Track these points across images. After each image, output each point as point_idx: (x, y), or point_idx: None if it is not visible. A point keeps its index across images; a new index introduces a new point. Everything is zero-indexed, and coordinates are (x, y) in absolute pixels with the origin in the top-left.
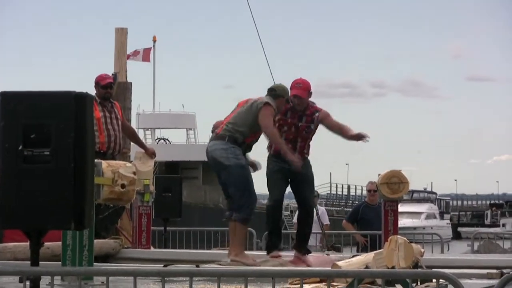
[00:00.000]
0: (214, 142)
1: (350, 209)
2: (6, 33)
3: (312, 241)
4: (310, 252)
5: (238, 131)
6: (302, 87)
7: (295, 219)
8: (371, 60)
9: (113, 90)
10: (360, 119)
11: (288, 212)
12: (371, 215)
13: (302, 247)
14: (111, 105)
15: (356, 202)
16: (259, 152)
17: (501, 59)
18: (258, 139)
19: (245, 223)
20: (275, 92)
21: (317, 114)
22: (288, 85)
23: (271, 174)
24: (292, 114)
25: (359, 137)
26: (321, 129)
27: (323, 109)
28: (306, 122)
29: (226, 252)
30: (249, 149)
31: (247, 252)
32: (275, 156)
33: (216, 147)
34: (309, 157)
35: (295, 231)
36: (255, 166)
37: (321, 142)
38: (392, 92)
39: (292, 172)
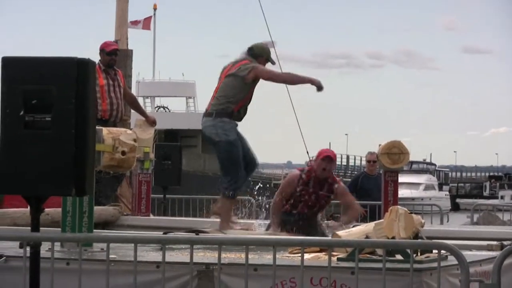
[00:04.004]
0: (205, 119)
1: (349, 179)
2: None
3: None
4: None
5: (226, 102)
6: (333, 154)
7: None
8: (366, 32)
9: (117, 58)
10: (359, 90)
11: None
12: (370, 185)
13: None
14: (115, 73)
15: (355, 172)
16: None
17: (498, 32)
18: (248, 104)
19: (229, 199)
20: (253, 51)
21: (336, 186)
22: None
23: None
24: (314, 184)
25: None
26: (318, 102)
27: (341, 183)
28: (326, 192)
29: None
30: (243, 114)
31: (246, 221)
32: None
33: (206, 124)
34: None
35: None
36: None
37: (320, 112)
38: (389, 63)
39: None
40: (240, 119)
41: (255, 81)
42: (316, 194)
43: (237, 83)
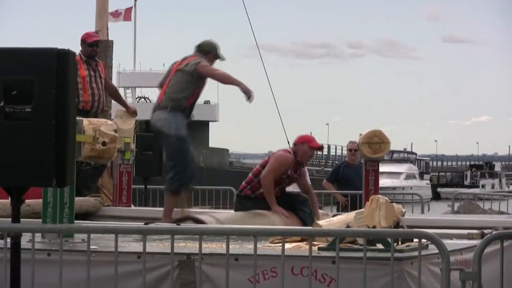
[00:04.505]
0: (157, 112)
1: (330, 169)
2: None
3: None
4: None
5: (180, 97)
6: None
7: None
8: (346, 21)
9: (99, 49)
10: (339, 80)
11: None
12: (352, 174)
13: None
14: (96, 64)
15: (336, 162)
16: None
17: (478, 22)
18: (196, 100)
19: (174, 195)
20: (202, 48)
21: (302, 168)
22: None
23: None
24: (295, 167)
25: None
26: (298, 92)
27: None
28: (298, 174)
29: (206, 210)
30: (192, 110)
31: (228, 211)
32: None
33: (159, 117)
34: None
35: None
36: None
37: (301, 102)
38: (370, 53)
39: None
40: (189, 116)
41: (202, 78)
42: (292, 178)
43: (186, 79)
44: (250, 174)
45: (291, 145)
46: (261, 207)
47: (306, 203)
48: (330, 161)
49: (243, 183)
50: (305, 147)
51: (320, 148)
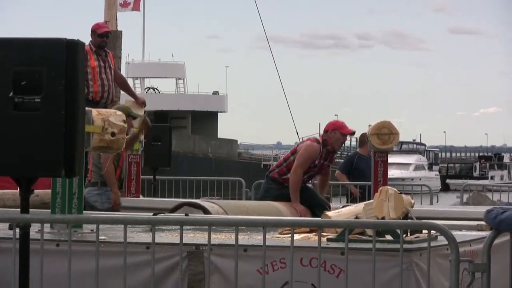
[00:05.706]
0: (89, 189)
1: (340, 160)
2: None
3: None
4: None
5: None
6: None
7: None
8: (355, 12)
9: (109, 39)
10: (347, 71)
11: None
12: (364, 166)
13: None
14: (105, 54)
15: (345, 152)
16: None
17: (485, 14)
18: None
19: None
20: None
21: (334, 156)
22: None
23: None
24: (326, 155)
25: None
26: (306, 83)
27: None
28: (329, 162)
29: (215, 200)
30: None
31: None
32: None
33: (91, 193)
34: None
35: None
36: None
37: (311, 93)
38: (378, 44)
39: None
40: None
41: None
42: (321, 165)
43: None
44: (281, 158)
45: (321, 132)
46: (285, 192)
47: (324, 207)
48: (339, 152)
49: (274, 165)
50: (337, 134)
51: (352, 133)
